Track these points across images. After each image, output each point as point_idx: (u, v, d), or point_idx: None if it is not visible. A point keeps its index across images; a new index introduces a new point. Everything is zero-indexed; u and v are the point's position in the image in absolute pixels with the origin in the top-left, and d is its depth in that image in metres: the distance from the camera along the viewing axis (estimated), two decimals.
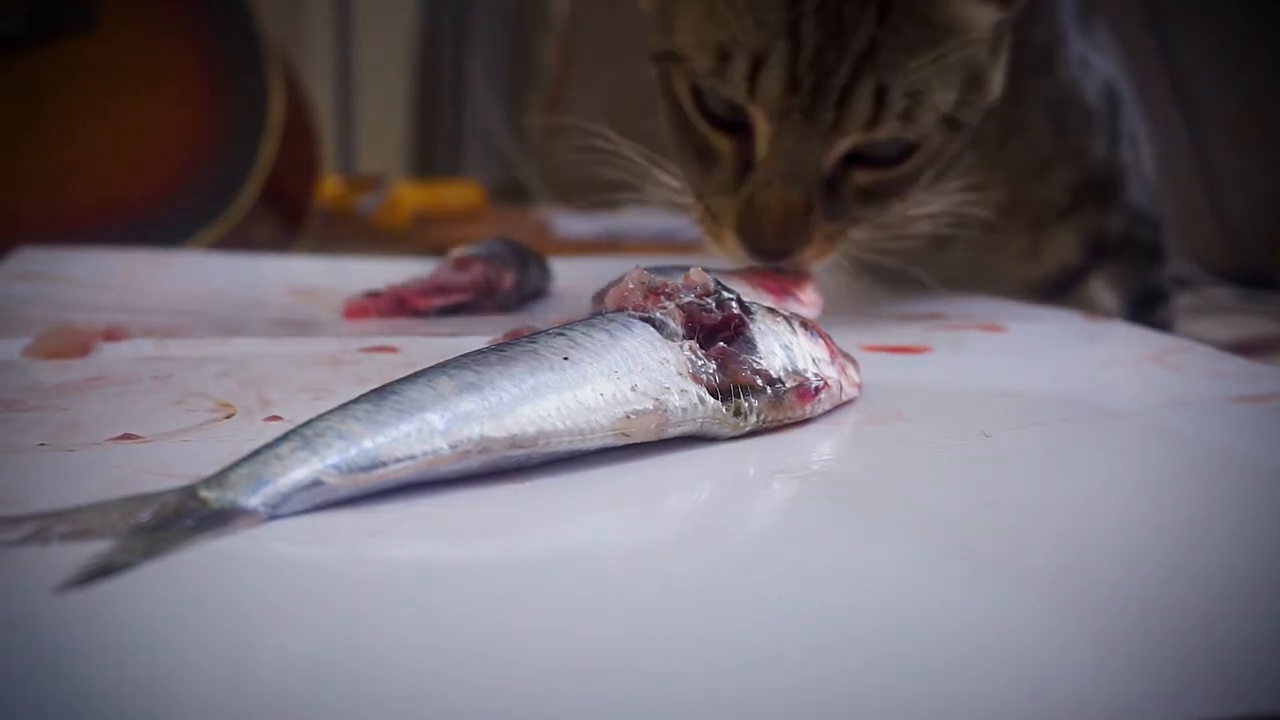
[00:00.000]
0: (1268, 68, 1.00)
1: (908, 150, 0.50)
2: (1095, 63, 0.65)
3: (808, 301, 0.49)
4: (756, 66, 0.48)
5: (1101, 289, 0.65)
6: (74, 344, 0.45)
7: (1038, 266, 0.65)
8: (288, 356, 0.45)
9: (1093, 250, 0.65)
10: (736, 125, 0.50)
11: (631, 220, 1.20)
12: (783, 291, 0.48)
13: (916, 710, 0.21)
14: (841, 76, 0.47)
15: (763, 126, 0.49)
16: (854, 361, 0.41)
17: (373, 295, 0.57)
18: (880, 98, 0.48)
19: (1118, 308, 0.65)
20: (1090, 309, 0.63)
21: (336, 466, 0.29)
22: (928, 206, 0.55)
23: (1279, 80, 1.01)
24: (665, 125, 0.54)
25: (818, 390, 0.37)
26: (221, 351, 0.46)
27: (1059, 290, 0.65)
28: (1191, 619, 0.25)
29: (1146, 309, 0.66)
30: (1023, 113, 0.59)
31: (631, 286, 0.37)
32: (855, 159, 0.50)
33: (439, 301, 0.57)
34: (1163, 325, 0.65)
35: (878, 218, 0.52)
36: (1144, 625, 0.24)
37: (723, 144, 0.51)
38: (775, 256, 0.50)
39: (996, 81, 0.53)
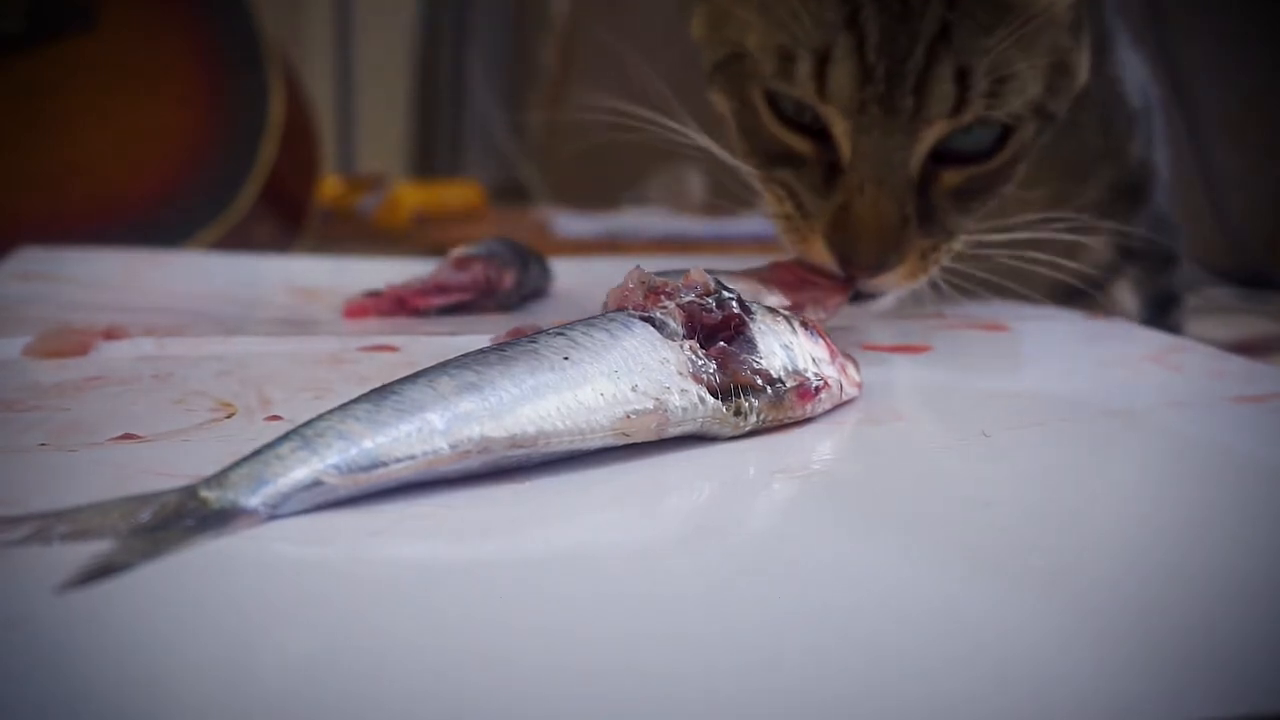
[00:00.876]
0: (1268, 68, 1.00)
1: (999, 140, 0.48)
2: (1133, 61, 0.64)
3: (830, 306, 0.48)
4: (822, 63, 0.46)
5: (1125, 291, 0.65)
6: (74, 343, 0.45)
7: (1075, 270, 0.64)
8: (288, 356, 0.45)
9: (1121, 253, 0.64)
10: (814, 128, 0.48)
11: (631, 220, 1.20)
12: (801, 288, 0.47)
13: (916, 710, 0.21)
14: (917, 60, 0.45)
15: (840, 125, 0.47)
16: (854, 361, 0.41)
17: (373, 295, 0.57)
18: (962, 79, 0.46)
19: (1138, 310, 0.65)
20: (1113, 311, 0.63)
21: (337, 466, 0.29)
22: (1038, 231, 0.52)
23: (1279, 80, 1.01)
24: (736, 136, 0.52)
25: (818, 390, 0.37)
26: (222, 351, 0.46)
27: (1086, 292, 0.64)
28: (1191, 619, 0.25)
29: (1162, 312, 0.66)
30: (1074, 111, 0.57)
31: (631, 286, 0.37)
32: (942, 157, 0.48)
33: (439, 301, 0.57)
34: (1175, 328, 0.65)
35: (970, 226, 0.50)
36: (1144, 625, 0.24)
37: (803, 146, 0.49)
38: (867, 271, 0.48)
39: (1083, 66, 0.51)
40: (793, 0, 0.47)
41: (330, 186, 1.31)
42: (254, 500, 0.28)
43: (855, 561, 0.27)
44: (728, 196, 0.60)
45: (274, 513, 0.28)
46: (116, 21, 0.90)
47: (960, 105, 0.46)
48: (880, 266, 0.48)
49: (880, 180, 0.46)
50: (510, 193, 1.56)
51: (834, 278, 0.48)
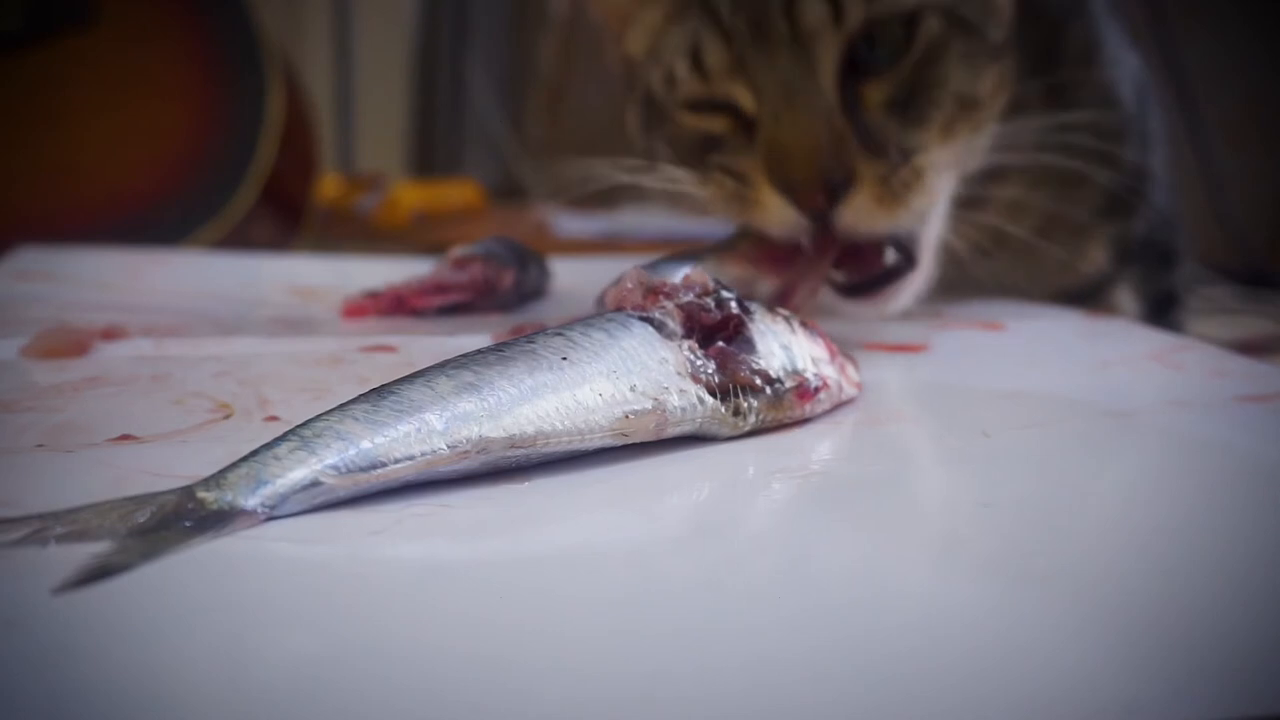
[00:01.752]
0: (1268, 68, 1.00)
1: (907, 39, 0.47)
2: (1128, 59, 0.64)
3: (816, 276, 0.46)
4: (695, 54, 0.47)
5: (1125, 294, 0.65)
6: (72, 343, 0.45)
7: (1074, 274, 0.63)
8: (286, 356, 0.45)
9: (1120, 255, 0.64)
10: (723, 106, 0.49)
11: (631, 220, 1.19)
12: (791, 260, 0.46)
13: (917, 710, 0.21)
14: None
15: (737, 90, 0.47)
16: (853, 361, 0.41)
17: (372, 294, 0.57)
18: None
19: (1138, 312, 0.65)
20: (1114, 313, 0.63)
21: (335, 467, 0.28)
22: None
23: (1279, 80, 1.01)
24: (672, 159, 0.53)
25: (817, 390, 0.37)
26: (220, 351, 0.46)
27: (1088, 296, 0.64)
28: (1193, 619, 0.25)
29: (1163, 312, 0.66)
30: (1064, 113, 0.55)
31: (630, 286, 0.37)
32: (860, 73, 0.46)
33: (438, 301, 0.57)
34: (1176, 328, 0.64)
35: (921, 143, 0.47)
36: (1145, 625, 0.24)
37: (721, 124, 0.49)
38: (821, 195, 0.45)
39: None
40: (663, 24, 0.49)
41: (329, 186, 1.31)
42: (252, 501, 0.28)
43: (854, 561, 0.27)
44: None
45: (272, 513, 0.28)
46: (115, 20, 0.90)
47: (838, 16, 0.45)
48: (828, 186, 0.45)
49: (790, 101, 0.45)
50: (509, 192, 1.56)
51: (813, 256, 0.47)
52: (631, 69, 0.54)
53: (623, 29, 0.54)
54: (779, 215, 0.46)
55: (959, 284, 0.58)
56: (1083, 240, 0.62)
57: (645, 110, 0.54)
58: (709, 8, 0.47)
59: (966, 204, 0.53)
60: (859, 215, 0.46)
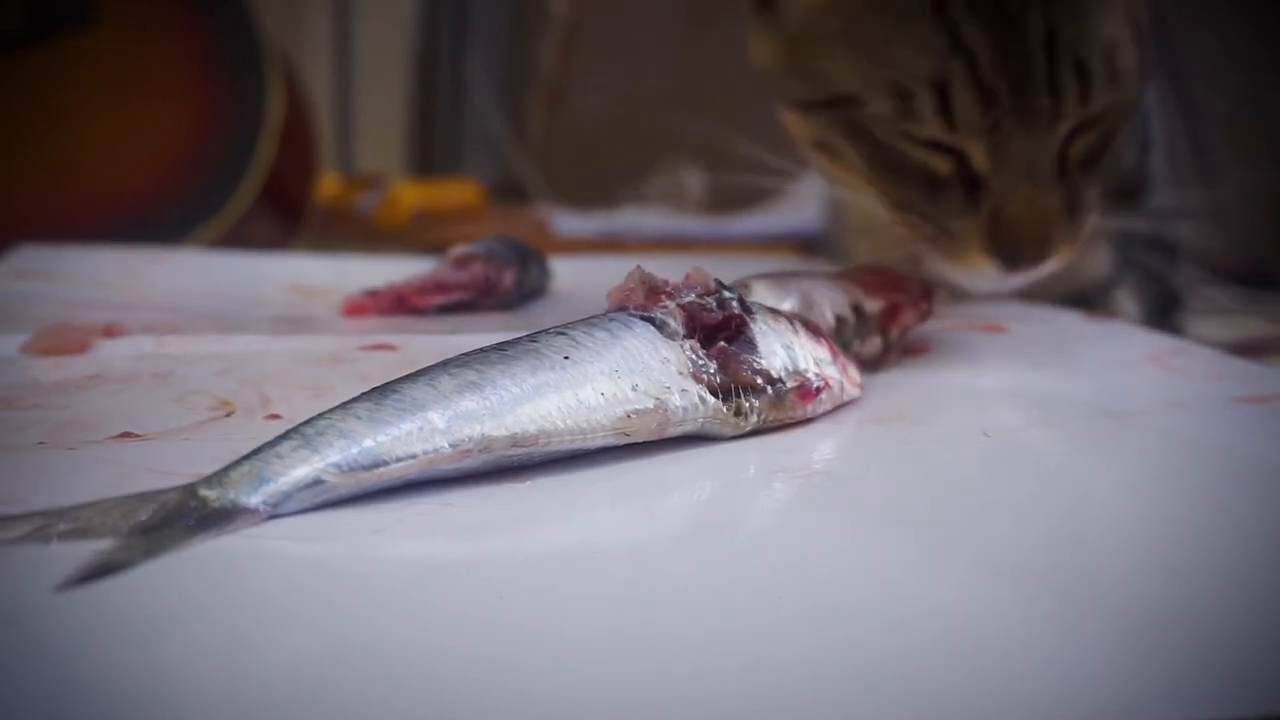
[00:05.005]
0: (1268, 68, 1.00)
1: (1123, 107, 0.49)
2: None
3: (917, 297, 0.47)
4: (943, 96, 0.46)
5: (1126, 298, 0.65)
6: (73, 341, 0.45)
7: (1078, 277, 0.63)
8: (288, 354, 0.45)
9: (1122, 259, 0.64)
10: (952, 148, 0.48)
11: (631, 219, 1.19)
12: (894, 289, 0.46)
13: (917, 710, 0.21)
14: (1039, 68, 0.46)
15: (976, 149, 0.47)
16: (856, 361, 0.41)
17: (372, 293, 0.57)
18: (1081, 72, 0.46)
19: (1139, 315, 0.65)
20: (1116, 316, 0.63)
21: (337, 465, 0.29)
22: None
23: (1279, 80, 1.01)
24: (862, 163, 0.51)
25: (819, 390, 0.37)
26: (221, 349, 0.46)
27: (1091, 300, 0.64)
28: (1192, 619, 0.25)
29: (1164, 315, 0.66)
30: None
31: (632, 285, 0.37)
32: (1069, 138, 0.48)
33: (439, 300, 0.57)
34: (1177, 330, 0.64)
35: (1096, 193, 0.50)
36: (1145, 625, 0.24)
37: (941, 165, 0.48)
38: (1033, 265, 0.49)
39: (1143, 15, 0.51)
40: (887, 30, 0.47)
41: (329, 185, 1.31)
42: (254, 499, 0.28)
43: (855, 561, 0.27)
44: (727, 196, 0.60)
45: (274, 511, 0.28)
46: (115, 20, 0.90)
47: (1085, 96, 0.46)
48: (1044, 258, 0.48)
49: (1030, 180, 0.47)
50: (509, 191, 1.56)
51: (924, 284, 0.48)
52: (808, 65, 0.52)
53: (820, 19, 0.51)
54: (982, 274, 0.49)
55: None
56: (1086, 243, 0.62)
57: (842, 123, 0.51)
58: (964, 50, 0.46)
59: None
60: (1046, 269, 0.49)
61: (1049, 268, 0.50)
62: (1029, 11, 0.45)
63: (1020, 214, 0.47)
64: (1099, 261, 0.63)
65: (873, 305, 0.45)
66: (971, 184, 0.48)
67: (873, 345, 0.44)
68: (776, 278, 0.45)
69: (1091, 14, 0.46)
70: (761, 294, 0.42)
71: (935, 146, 0.48)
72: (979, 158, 0.47)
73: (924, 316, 0.47)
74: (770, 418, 0.36)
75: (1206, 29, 1.00)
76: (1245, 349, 0.65)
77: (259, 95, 0.91)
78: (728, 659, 0.22)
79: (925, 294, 0.48)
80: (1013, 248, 0.48)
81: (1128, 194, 0.64)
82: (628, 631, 0.23)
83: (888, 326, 0.45)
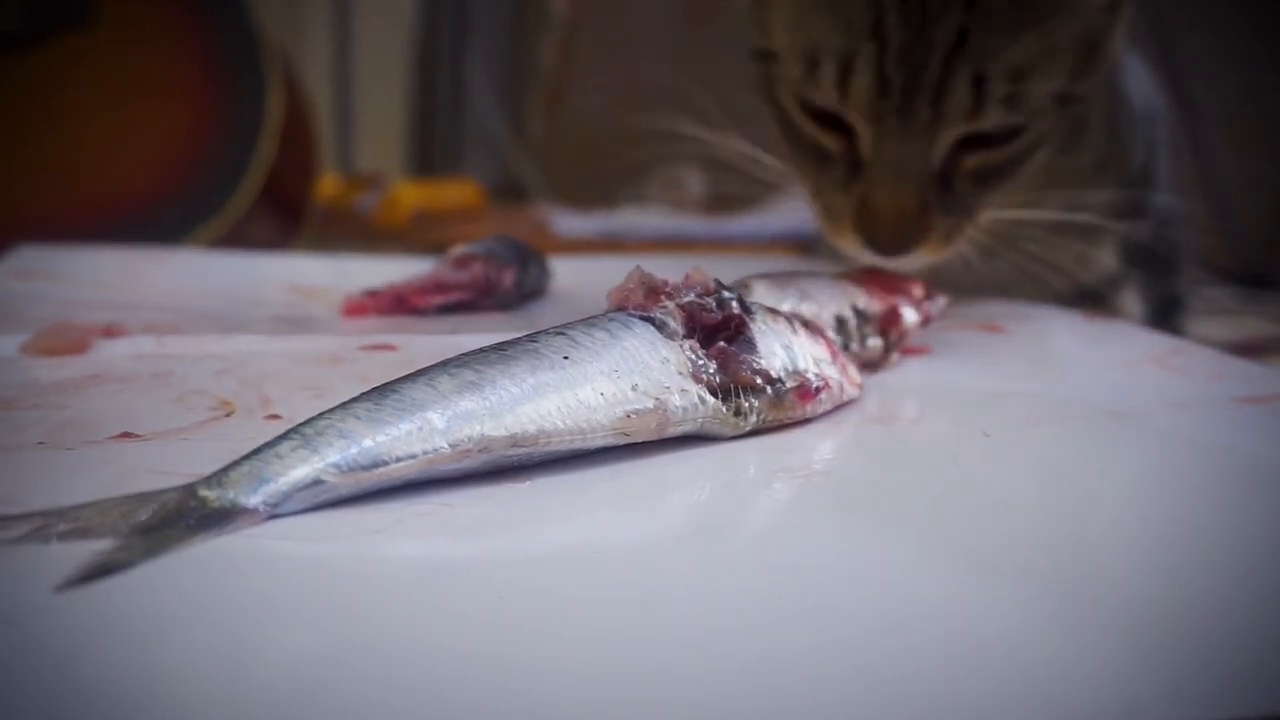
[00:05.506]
0: (1268, 68, 1.00)
1: (1017, 129, 0.49)
2: (1136, 66, 0.64)
3: (918, 299, 0.48)
4: (845, 71, 0.47)
5: (1131, 297, 0.65)
6: (73, 341, 0.45)
7: (1083, 276, 0.64)
8: (287, 354, 0.45)
9: (1127, 259, 0.64)
10: (841, 124, 0.50)
11: (631, 219, 1.19)
12: (894, 291, 0.47)
13: (917, 710, 0.21)
14: (932, 72, 0.46)
15: (862, 129, 0.49)
16: (860, 359, 0.41)
17: (372, 293, 0.56)
18: (978, 86, 0.47)
19: (1143, 315, 0.65)
20: (1120, 317, 0.63)
21: (337, 465, 0.29)
22: (1076, 216, 0.54)
23: (1279, 80, 1.01)
24: (773, 123, 0.54)
25: (818, 390, 0.37)
26: (221, 349, 0.46)
27: (1095, 300, 0.64)
28: (1192, 619, 0.25)
29: (1166, 316, 0.66)
30: (1086, 115, 0.57)
31: (632, 285, 0.37)
32: (964, 143, 0.49)
33: (439, 300, 0.57)
34: (1179, 331, 0.64)
35: (991, 202, 0.51)
36: (1145, 625, 0.24)
37: (830, 142, 0.50)
38: (894, 254, 0.50)
39: (1116, 47, 0.52)
40: (819, 4, 0.48)
41: (329, 185, 1.31)
42: (254, 499, 0.28)
43: (856, 561, 0.27)
44: (726, 196, 0.60)
45: (274, 511, 0.28)
46: (115, 20, 0.90)
47: (976, 110, 0.47)
48: (903, 246, 0.50)
49: (898, 175, 0.48)
50: (509, 191, 1.56)
51: (926, 287, 0.49)
52: (765, 25, 0.53)
53: None
54: (856, 250, 0.51)
55: (970, 287, 0.57)
56: (1093, 244, 0.62)
57: (764, 80, 0.54)
58: (878, 34, 0.47)
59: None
60: (917, 260, 0.51)
61: (916, 261, 0.51)
62: (946, 16, 0.46)
63: (882, 205, 0.49)
64: (1107, 261, 0.63)
65: (873, 307, 0.45)
66: (855, 165, 0.50)
67: (872, 347, 0.44)
68: (776, 277, 0.45)
69: (1010, 37, 0.47)
70: (761, 294, 0.42)
71: (829, 123, 0.50)
72: (864, 140, 0.49)
73: (925, 320, 0.47)
74: (770, 418, 0.36)
75: (1206, 29, 1.00)
76: (1245, 349, 0.65)
77: (259, 95, 0.91)
78: (728, 659, 0.22)
79: (927, 297, 0.48)
80: (873, 234, 0.50)
81: (1138, 195, 0.64)
82: (628, 631, 0.23)
83: (887, 329, 0.45)
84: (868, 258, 0.51)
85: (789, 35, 0.50)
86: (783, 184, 0.55)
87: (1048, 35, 0.47)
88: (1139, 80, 0.64)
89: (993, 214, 0.52)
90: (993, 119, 0.48)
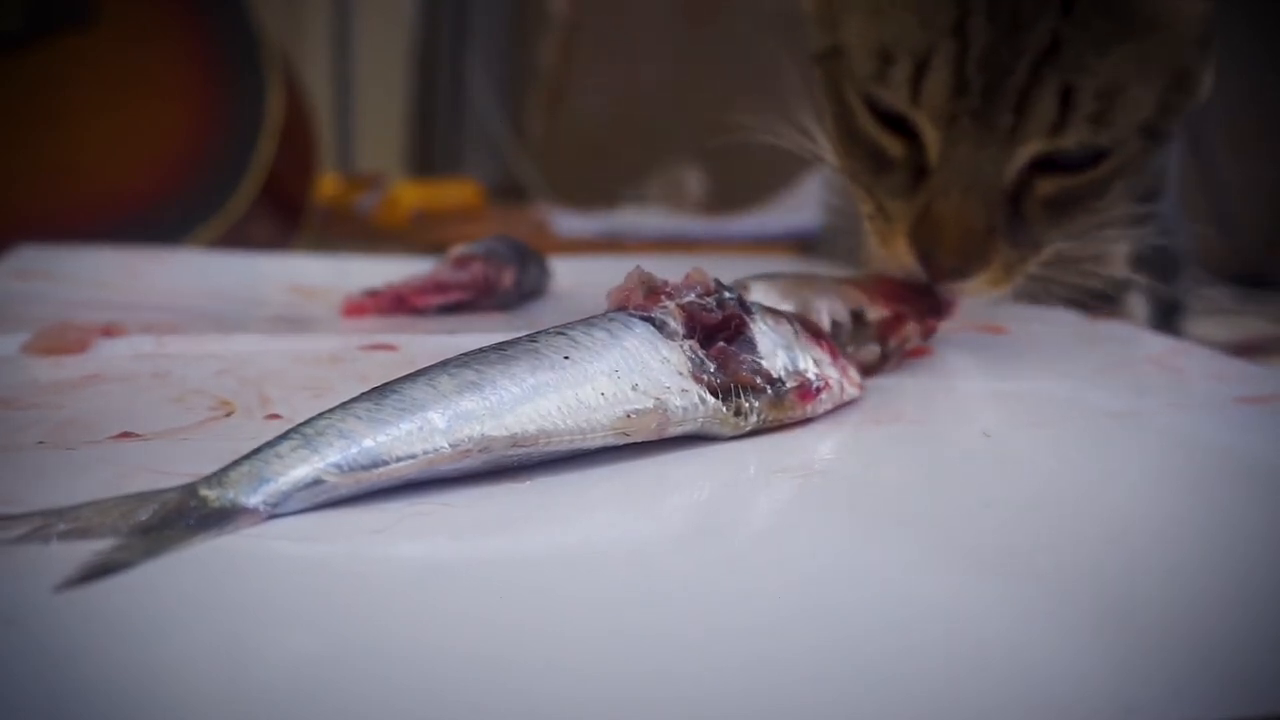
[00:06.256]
0: (1268, 68, 1.00)
1: (1099, 154, 0.46)
2: None
3: (923, 310, 0.47)
4: (920, 70, 0.44)
5: (1136, 301, 0.64)
6: (72, 341, 0.45)
7: (1097, 280, 0.63)
8: (287, 354, 0.45)
9: (1136, 262, 0.64)
10: (908, 130, 0.47)
11: (630, 219, 1.20)
12: (900, 299, 0.46)
13: (917, 710, 0.21)
14: (1019, 77, 0.43)
15: (930, 133, 0.46)
16: (856, 362, 0.41)
17: (372, 293, 0.57)
18: (1066, 99, 0.44)
19: (1148, 318, 0.65)
20: (1127, 319, 0.63)
21: (337, 465, 0.28)
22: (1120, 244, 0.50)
23: (1278, 80, 1.01)
24: (830, 122, 0.51)
25: (819, 390, 0.37)
26: (221, 349, 0.46)
27: (1104, 303, 0.64)
28: (1192, 619, 0.25)
29: (1168, 319, 0.66)
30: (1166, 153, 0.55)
31: (632, 285, 0.37)
32: (1040, 166, 0.46)
33: (438, 300, 0.57)
34: (1180, 334, 0.64)
35: (1062, 237, 0.48)
36: (1145, 625, 0.24)
37: (894, 145, 0.47)
38: (949, 276, 0.46)
39: (1205, 83, 0.48)
40: None
41: (329, 185, 1.31)
42: (254, 499, 0.28)
43: (856, 561, 0.27)
44: (726, 196, 0.60)
45: (274, 511, 0.28)
46: (115, 20, 0.90)
47: (1060, 125, 0.44)
48: (961, 273, 0.46)
49: (967, 188, 0.45)
50: (509, 191, 1.56)
51: (935, 295, 0.47)
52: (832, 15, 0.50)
53: None
54: (904, 265, 0.48)
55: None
56: (1107, 252, 0.61)
57: (827, 79, 0.51)
58: (960, 34, 0.44)
59: None
60: (971, 289, 0.48)
61: (969, 287, 0.47)
62: (1039, 22, 0.43)
63: (946, 217, 0.45)
64: (1117, 260, 0.63)
65: (875, 313, 0.44)
66: (919, 172, 0.47)
67: (869, 352, 0.44)
68: (774, 279, 0.44)
69: (1107, 50, 0.44)
70: (759, 295, 0.42)
71: (895, 126, 0.47)
72: (932, 146, 0.46)
73: (929, 331, 0.46)
74: (770, 418, 0.36)
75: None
76: (1245, 349, 0.65)
77: (259, 95, 0.91)
78: (728, 659, 0.22)
79: (934, 308, 0.47)
80: (932, 248, 0.46)
81: (1147, 198, 0.63)
82: (628, 631, 0.23)
83: (887, 336, 0.44)
84: (905, 268, 0.47)
85: (862, 29, 0.47)
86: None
87: (1143, 57, 0.45)
88: None
89: (1056, 249, 0.49)
90: (1076, 136, 0.44)
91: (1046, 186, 0.46)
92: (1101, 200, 0.48)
